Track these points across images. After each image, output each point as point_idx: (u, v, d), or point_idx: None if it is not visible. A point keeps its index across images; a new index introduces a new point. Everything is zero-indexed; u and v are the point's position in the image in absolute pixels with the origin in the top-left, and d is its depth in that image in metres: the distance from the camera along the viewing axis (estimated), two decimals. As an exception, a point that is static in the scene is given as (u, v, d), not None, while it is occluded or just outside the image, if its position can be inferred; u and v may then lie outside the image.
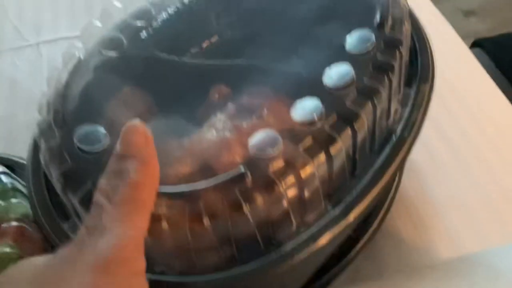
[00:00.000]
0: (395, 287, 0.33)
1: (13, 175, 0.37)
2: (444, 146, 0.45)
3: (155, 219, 0.25)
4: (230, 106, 0.29)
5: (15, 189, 0.35)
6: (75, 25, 0.64)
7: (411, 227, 0.40)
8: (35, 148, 0.33)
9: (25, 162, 0.40)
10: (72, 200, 0.27)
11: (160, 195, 0.25)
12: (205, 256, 0.27)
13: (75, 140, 0.27)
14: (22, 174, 0.38)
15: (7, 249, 0.32)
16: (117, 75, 0.32)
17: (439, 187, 0.42)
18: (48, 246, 0.35)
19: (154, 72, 0.33)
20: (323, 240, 0.27)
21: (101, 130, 0.28)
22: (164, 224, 0.25)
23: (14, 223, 0.33)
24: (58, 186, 0.27)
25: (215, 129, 0.29)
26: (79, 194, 0.26)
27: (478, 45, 0.78)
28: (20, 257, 0.32)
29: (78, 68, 0.32)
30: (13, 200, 0.34)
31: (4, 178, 0.36)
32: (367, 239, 0.37)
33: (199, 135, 0.29)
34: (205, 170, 0.27)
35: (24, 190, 0.36)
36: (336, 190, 0.29)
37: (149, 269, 0.28)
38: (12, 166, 0.39)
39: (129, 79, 0.32)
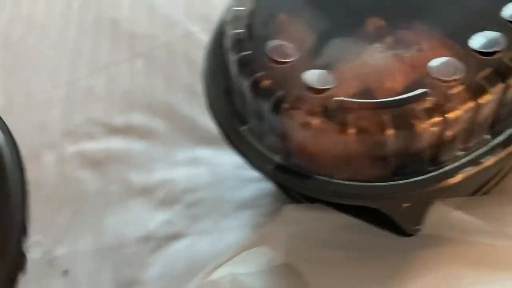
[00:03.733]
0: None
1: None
2: None
3: (343, 127, 0.28)
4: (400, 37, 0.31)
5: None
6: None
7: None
8: (210, 63, 0.37)
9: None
10: (262, 107, 0.30)
11: (348, 106, 0.28)
12: (375, 165, 0.30)
13: (267, 52, 0.31)
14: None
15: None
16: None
17: None
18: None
19: None
20: (482, 165, 0.30)
21: (289, 44, 0.31)
22: (351, 133, 0.28)
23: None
24: (249, 95, 0.31)
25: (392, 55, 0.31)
26: (270, 101, 0.30)
27: None
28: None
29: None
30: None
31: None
32: (501, 177, 0.38)
33: (363, 60, 0.32)
34: (376, 91, 0.30)
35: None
36: (498, 122, 0.30)
37: (316, 173, 0.31)
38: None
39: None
